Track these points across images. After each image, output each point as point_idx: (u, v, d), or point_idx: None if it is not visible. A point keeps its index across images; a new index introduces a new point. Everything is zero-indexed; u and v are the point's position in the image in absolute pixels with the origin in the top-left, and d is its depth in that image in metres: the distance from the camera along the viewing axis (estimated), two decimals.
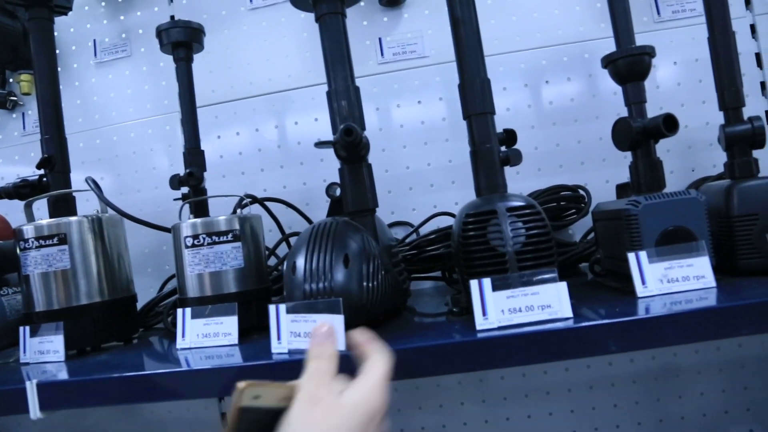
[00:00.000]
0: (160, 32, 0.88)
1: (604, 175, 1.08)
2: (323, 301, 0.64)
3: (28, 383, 0.69)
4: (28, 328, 0.83)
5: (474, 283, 0.64)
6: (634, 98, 0.74)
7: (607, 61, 0.75)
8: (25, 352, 0.83)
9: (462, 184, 1.11)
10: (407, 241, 1.03)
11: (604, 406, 1.10)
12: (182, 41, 0.88)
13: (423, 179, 1.14)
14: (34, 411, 0.69)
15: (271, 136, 1.17)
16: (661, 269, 0.67)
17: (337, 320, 0.63)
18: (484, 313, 0.63)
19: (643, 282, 0.67)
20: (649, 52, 0.72)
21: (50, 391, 0.70)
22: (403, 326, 0.72)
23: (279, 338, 0.66)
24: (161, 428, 1.22)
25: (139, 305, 0.99)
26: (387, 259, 0.76)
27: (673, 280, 0.66)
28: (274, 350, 0.66)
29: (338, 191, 0.77)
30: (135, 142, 1.21)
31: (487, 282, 0.64)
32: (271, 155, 1.17)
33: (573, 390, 1.11)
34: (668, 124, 0.69)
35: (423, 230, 1.09)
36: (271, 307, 0.67)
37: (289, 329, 0.66)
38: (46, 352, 0.82)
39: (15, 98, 1.24)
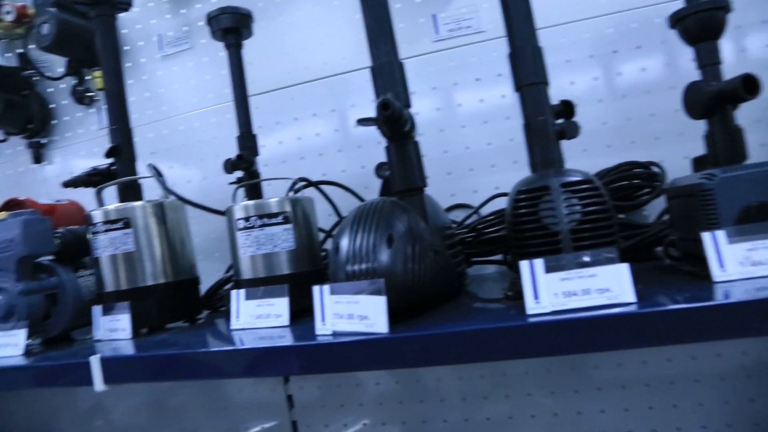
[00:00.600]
0: (210, 19, 0.90)
1: (681, 150, 0.99)
2: (366, 282, 0.63)
3: (91, 358, 0.73)
4: (99, 307, 0.88)
5: (524, 264, 0.60)
6: (708, 59, 0.67)
7: (675, 19, 0.68)
8: (97, 330, 0.88)
9: (526, 163, 1.05)
10: (466, 223, 1.00)
11: (687, 404, 1.01)
12: (231, 27, 0.89)
13: (484, 160, 1.09)
14: (98, 383, 0.73)
15: (328, 120, 1.17)
16: (742, 250, 0.60)
17: (380, 302, 0.61)
18: (536, 297, 0.59)
19: (721, 265, 0.60)
20: (723, 6, 0.65)
21: (112, 366, 0.73)
22: (453, 310, 0.70)
23: (323, 320, 0.66)
24: (232, 408, 1.27)
25: (207, 289, 1.03)
26: (438, 240, 0.74)
27: (757, 263, 0.59)
28: (318, 331, 0.65)
29: (388, 171, 0.75)
30: (199, 131, 1.25)
31: (539, 263, 0.60)
32: (329, 139, 1.17)
33: (652, 385, 1.03)
34: (748, 86, 0.61)
35: (484, 212, 1.05)
36: (315, 289, 0.66)
37: (333, 311, 0.65)
38: (115, 330, 0.86)
39: (91, 94, 1.31)
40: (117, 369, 0.74)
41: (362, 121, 0.69)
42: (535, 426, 1.08)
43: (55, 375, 0.81)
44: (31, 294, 0.91)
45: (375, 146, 1.12)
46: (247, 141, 0.91)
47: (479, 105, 1.10)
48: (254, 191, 0.89)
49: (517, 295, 0.69)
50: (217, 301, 1.02)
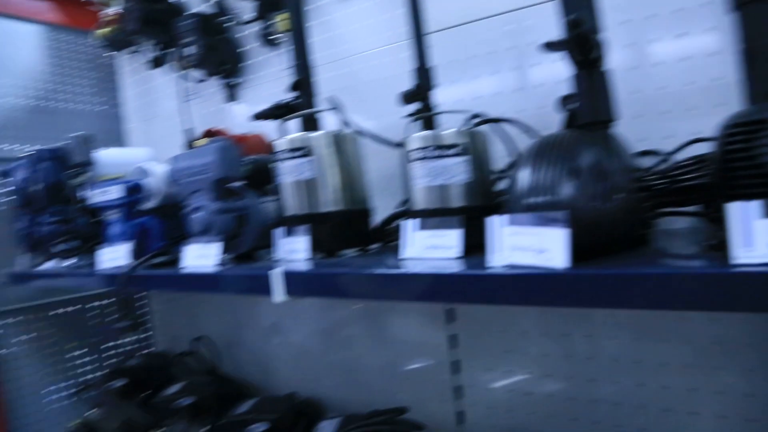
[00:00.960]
0: None
1: None
2: (546, 214, 0.59)
3: (273, 270, 0.80)
4: (281, 229, 0.95)
5: (735, 207, 0.53)
6: None
7: None
8: (278, 250, 0.95)
9: (733, 106, 0.92)
10: (657, 169, 0.90)
11: None
12: None
13: (680, 101, 0.97)
14: (279, 294, 0.79)
15: (506, 58, 1.12)
16: None
17: (561, 235, 0.58)
18: (747, 244, 0.52)
19: None
20: None
21: (291, 279, 0.79)
22: (639, 256, 0.64)
23: (497, 251, 0.64)
24: (395, 342, 1.32)
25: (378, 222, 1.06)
26: (626, 181, 0.68)
27: None
28: (491, 263, 0.64)
29: (572, 104, 0.70)
30: (375, 70, 1.27)
31: (754, 206, 0.52)
32: (506, 78, 1.12)
33: None
34: None
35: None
36: (490, 219, 0.64)
37: (509, 242, 0.63)
38: (294, 251, 0.92)
39: (277, 36, 1.40)
40: (295, 282, 0.80)
41: (550, 46, 0.64)
42: (723, 404, 0.96)
43: (243, 283, 0.90)
44: (224, 213, 1.00)
45: (555, 85, 1.05)
46: (424, 74, 0.90)
47: (677, 41, 0.97)
48: (429, 124, 0.89)
49: (720, 246, 0.61)
50: (388, 235, 1.04)
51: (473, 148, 0.82)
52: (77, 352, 1.83)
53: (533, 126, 1.01)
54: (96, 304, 1.89)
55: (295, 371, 1.55)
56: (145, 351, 1.95)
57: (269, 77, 1.50)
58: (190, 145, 1.26)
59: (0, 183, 1.66)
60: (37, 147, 1.54)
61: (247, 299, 1.65)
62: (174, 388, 1.44)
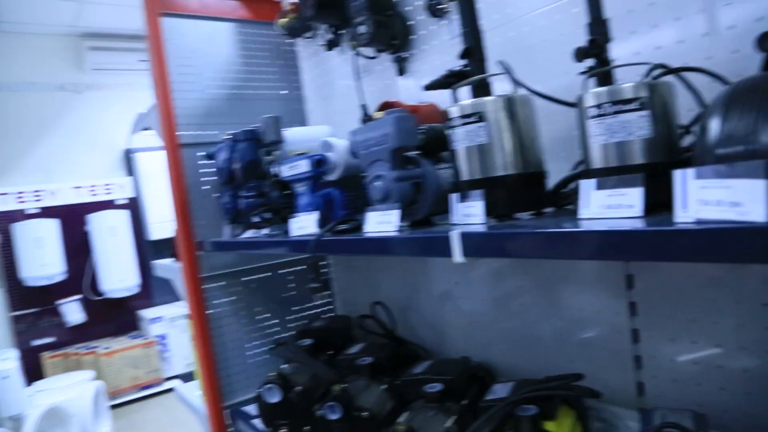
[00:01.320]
0: None
1: None
2: (741, 165, 0.56)
3: (452, 232, 0.84)
4: (456, 195, 0.99)
5: None
6: None
7: None
8: (454, 215, 0.99)
9: None
10: None
11: None
12: None
13: None
14: (457, 255, 0.83)
15: (688, 2, 1.02)
16: None
17: (759, 187, 0.54)
18: None
19: None
20: None
21: (469, 241, 0.82)
22: None
23: (685, 206, 0.61)
24: (570, 309, 1.31)
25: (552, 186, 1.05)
26: None
27: None
28: (678, 219, 0.61)
29: None
30: (545, 31, 1.23)
31: None
32: (691, 22, 1.02)
33: None
34: None
35: None
36: (677, 173, 0.62)
37: (698, 196, 0.60)
38: (469, 215, 0.96)
39: (443, 6, 1.42)
40: (473, 243, 0.83)
41: None
42: None
43: (422, 246, 0.96)
44: (402, 181, 1.07)
45: (753, 24, 0.94)
46: (599, 26, 0.87)
47: None
48: (606, 80, 0.85)
49: None
50: (563, 198, 1.03)
51: (654, 101, 0.78)
52: (269, 314, 2.07)
53: (724, 74, 0.92)
54: (285, 271, 2.11)
55: (467, 337, 1.60)
56: (328, 314, 2.14)
57: (438, 48, 1.53)
58: (366, 119, 1.34)
59: (207, 164, 1.91)
60: (235, 130, 1.74)
61: (421, 268, 1.73)
62: (355, 348, 1.57)
